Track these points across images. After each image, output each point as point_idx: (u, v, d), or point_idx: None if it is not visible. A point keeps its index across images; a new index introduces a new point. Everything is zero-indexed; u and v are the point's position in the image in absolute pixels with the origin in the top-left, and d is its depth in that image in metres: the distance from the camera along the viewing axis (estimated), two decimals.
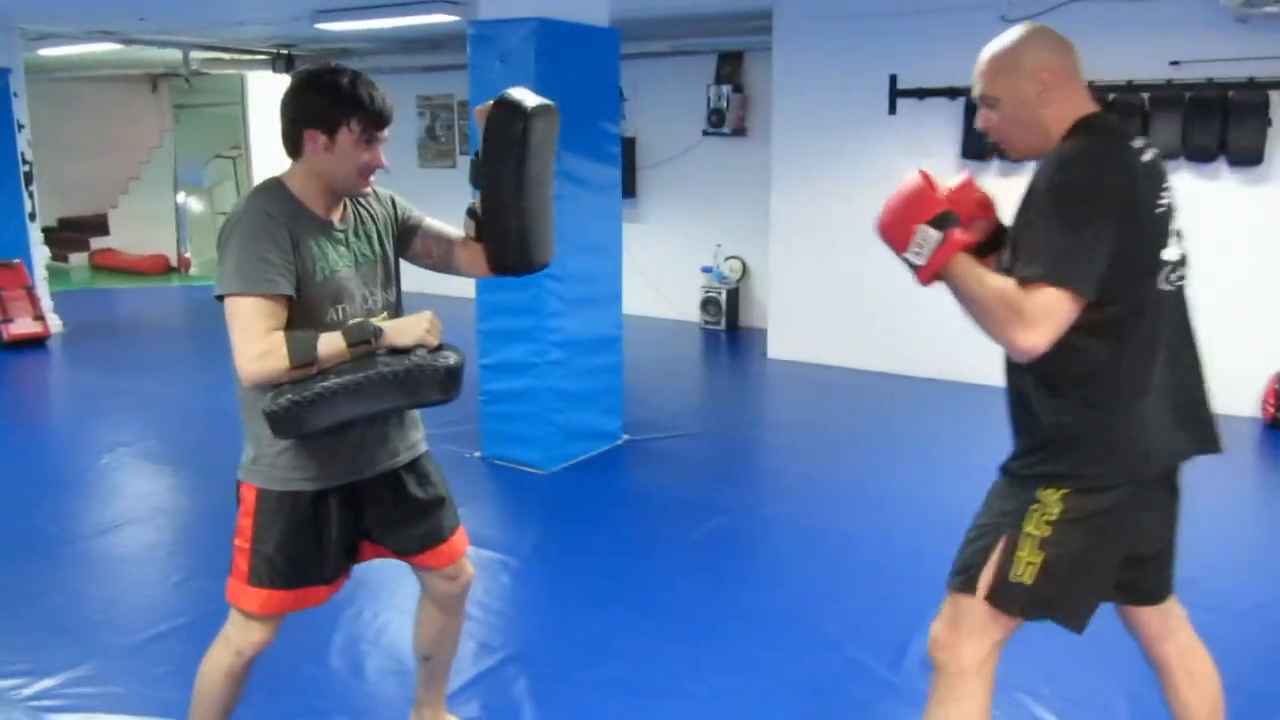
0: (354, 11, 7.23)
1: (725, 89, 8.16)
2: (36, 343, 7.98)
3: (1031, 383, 1.97)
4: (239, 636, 2.27)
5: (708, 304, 8.48)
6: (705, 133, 8.33)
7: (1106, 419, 1.90)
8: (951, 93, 6.36)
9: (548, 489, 4.77)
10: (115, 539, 4.17)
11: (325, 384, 1.97)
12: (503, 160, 2.21)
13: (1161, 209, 1.89)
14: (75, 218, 13.36)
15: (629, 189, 8.71)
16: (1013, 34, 2.02)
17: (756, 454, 5.54)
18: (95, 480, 4.97)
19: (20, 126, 8.21)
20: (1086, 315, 1.82)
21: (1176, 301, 1.96)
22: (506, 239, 2.28)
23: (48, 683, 3.01)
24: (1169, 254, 1.91)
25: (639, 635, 3.33)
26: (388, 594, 3.64)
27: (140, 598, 3.69)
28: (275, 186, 2.15)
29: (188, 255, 12.65)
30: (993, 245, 2.07)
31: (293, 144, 2.15)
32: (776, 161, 7.31)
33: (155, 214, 12.85)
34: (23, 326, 7.90)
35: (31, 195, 8.36)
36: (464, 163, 9.22)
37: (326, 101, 2.09)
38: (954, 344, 6.58)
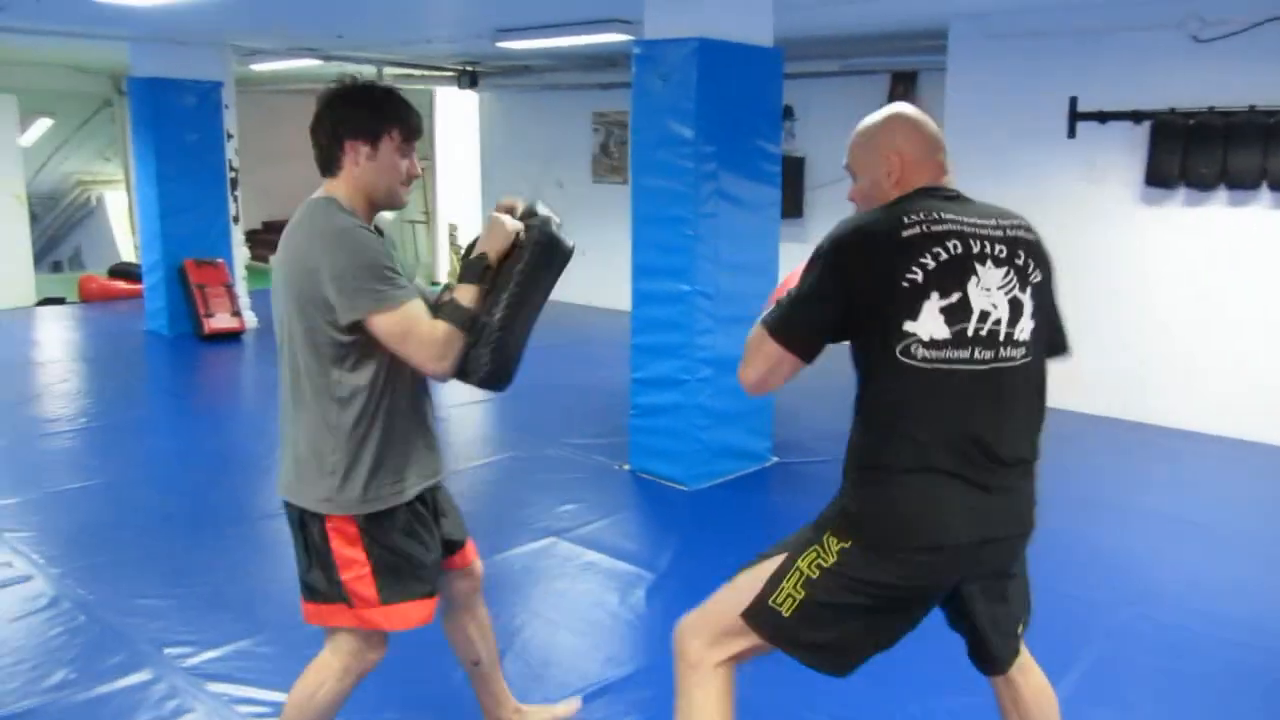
0: (532, 30, 7.48)
1: None
2: (232, 336, 8.59)
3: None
4: (358, 660, 2.30)
5: None
6: None
7: (874, 481, 1.93)
8: (1136, 116, 6.05)
9: (691, 506, 4.80)
10: (281, 524, 4.43)
11: (494, 323, 2.13)
12: (522, 286, 2.19)
13: (908, 283, 1.85)
14: (278, 221, 14.30)
15: (795, 209, 8.66)
16: (879, 115, 2.13)
17: None
18: (270, 467, 5.30)
19: (229, 136, 8.87)
20: (858, 370, 1.96)
21: (961, 388, 1.88)
22: (476, 357, 2.17)
23: (210, 654, 3.24)
24: (918, 328, 1.85)
25: (767, 660, 3.31)
26: (524, 598, 3.74)
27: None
28: (336, 204, 2.14)
29: None
30: None
31: (331, 158, 2.16)
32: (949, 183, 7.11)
33: None
34: (221, 321, 8.53)
35: (235, 200, 9.01)
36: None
37: (366, 112, 2.14)
38: (1131, 380, 6.26)
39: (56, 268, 15.10)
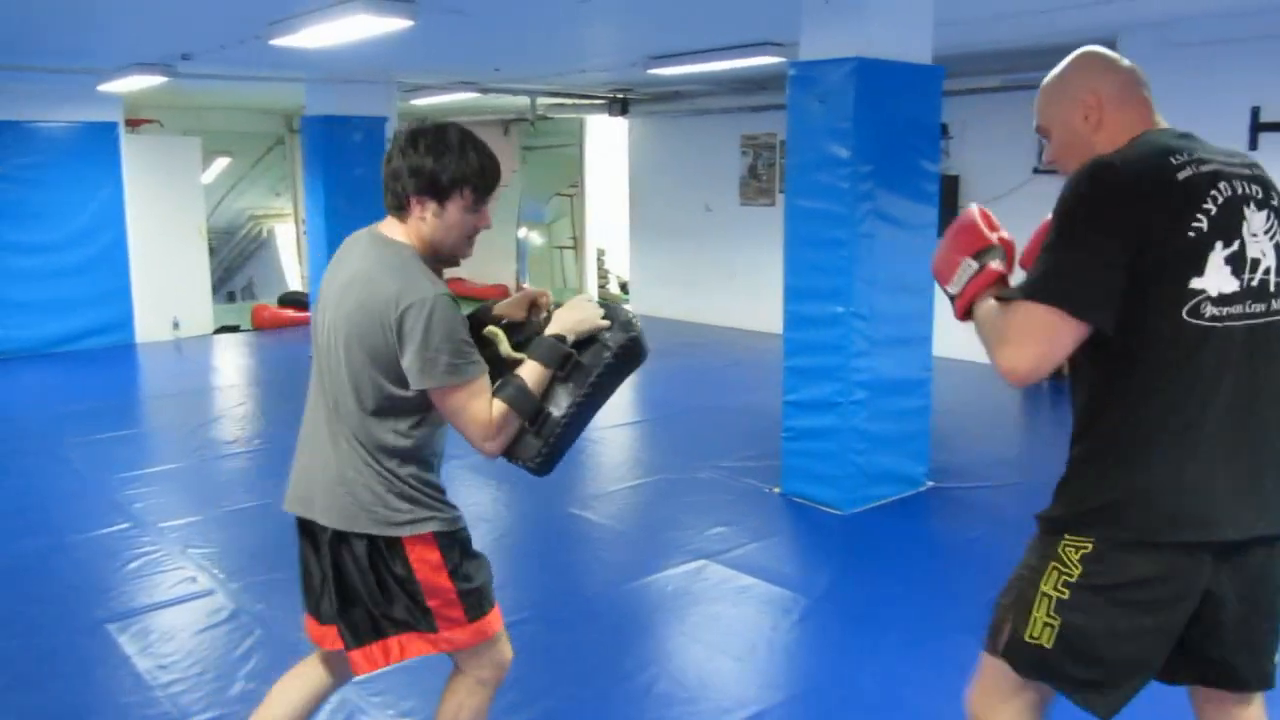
0: (684, 56, 7.55)
1: None
2: None
3: (1074, 423, 1.82)
4: (492, 669, 2.30)
5: None
6: (1036, 170, 7.92)
7: (1126, 466, 1.70)
8: None
9: (845, 530, 4.70)
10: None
11: (564, 414, 2.09)
12: (596, 389, 2.13)
13: (1195, 233, 1.64)
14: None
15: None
16: (1064, 60, 1.91)
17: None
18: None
19: None
20: (1104, 348, 1.68)
21: (1237, 345, 1.67)
22: (529, 445, 2.15)
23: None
24: (1206, 283, 1.64)
25: (926, 689, 3.21)
26: (677, 620, 3.73)
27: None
28: (418, 261, 2.10)
29: (525, 284, 13.70)
30: None
31: (402, 204, 2.10)
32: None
33: (499, 247, 14.01)
34: None
35: None
36: (780, 200, 9.31)
37: (439, 170, 2.05)
38: None
39: (231, 298, 16.02)
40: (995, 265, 1.88)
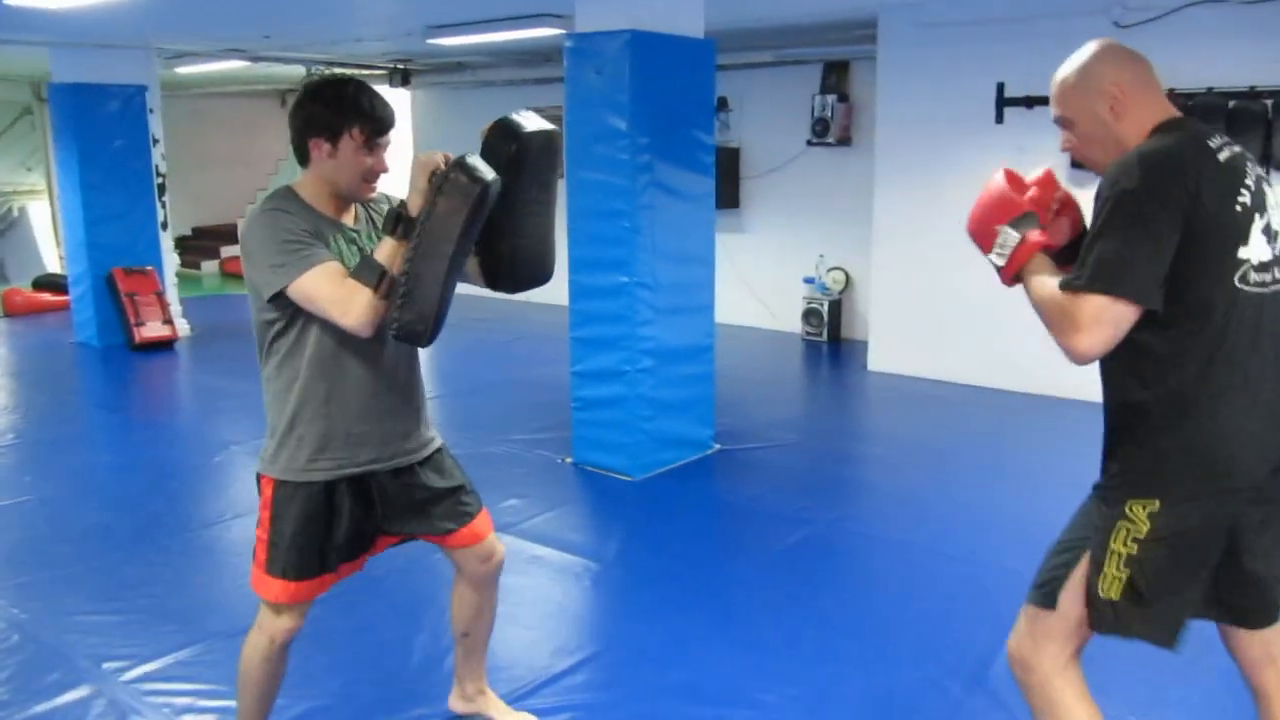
0: (463, 27, 7.43)
1: (830, 99, 8.10)
2: (165, 345, 8.41)
3: (1117, 394, 1.95)
4: (270, 624, 2.38)
5: (810, 315, 8.41)
6: (809, 143, 8.28)
7: (1183, 425, 1.85)
8: None
9: (636, 496, 4.81)
10: (222, 532, 4.38)
11: (408, 273, 2.09)
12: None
13: (1240, 208, 1.83)
14: (208, 227, 14.04)
15: (732, 199, 8.70)
16: (1082, 53, 2.02)
17: (850, 467, 5.47)
18: (208, 476, 5.23)
19: (155, 141, 8.69)
20: (1150, 318, 1.82)
21: (1270, 308, 1.87)
22: (496, 260, 2.36)
23: (150, 666, 3.18)
24: (1250, 253, 1.83)
25: (714, 643, 3.34)
26: None
27: (242, 588, 3.84)
28: (286, 193, 2.28)
29: None
30: (1076, 248, 2.02)
31: (301, 153, 2.27)
32: (881, 172, 7.22)
33: None
34: (152, 330, 8.34)
35: (164, 206, 8.83)
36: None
37: (329, 110, 2.21)
38: (1059, 359, 6.39)
39: None
40: (1035, 235, 1.99)
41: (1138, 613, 1.90)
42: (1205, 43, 5.70)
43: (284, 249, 2.14)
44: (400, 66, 10.62)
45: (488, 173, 2.16)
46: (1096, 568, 1.92)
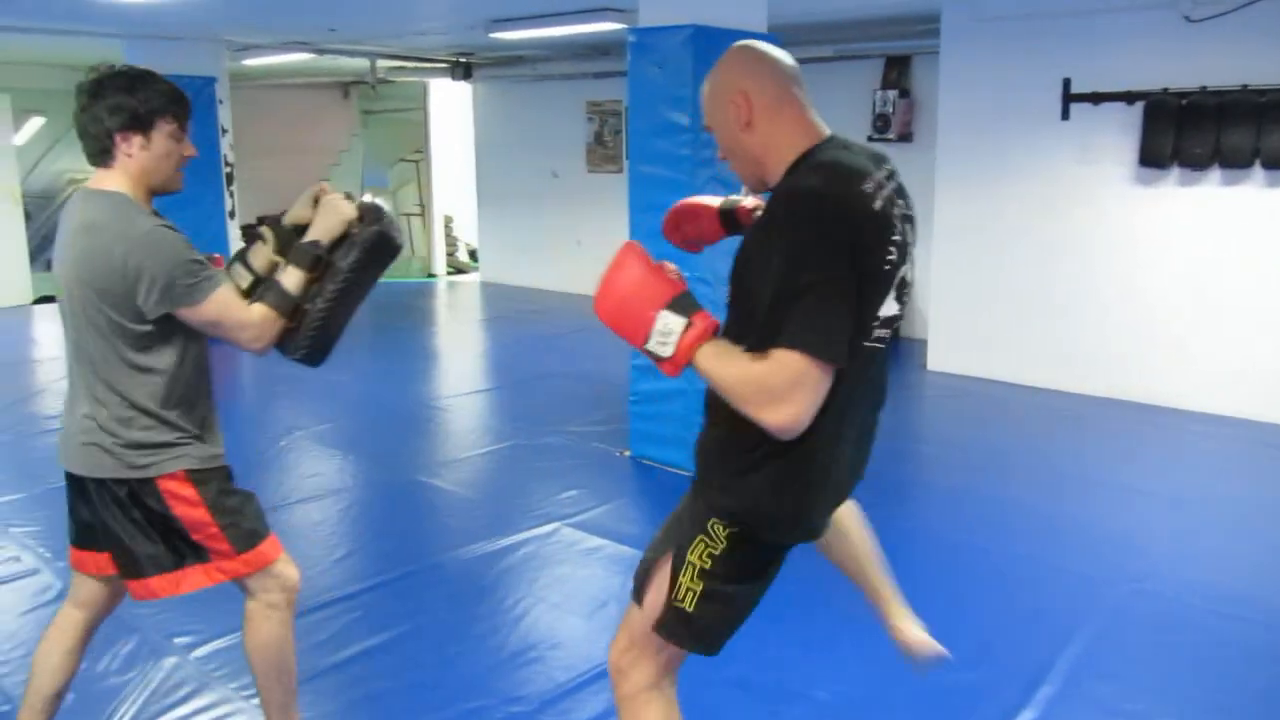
0: (525, 21, 7.49)
1: (891, 94, 8.04)
2: None
3: (729, 417, 1.74)
4: (282, 589, 2.39)
5: None
6: (870, 138, 8.22)
7: (781, 465, 1.77)
8: (1129, 97, 6.07)
9: None
10: (285, 516, 4.48)
11: (318, 310, 2.22)
12: (349, 282, 2.26)
13: (889, 265, 1.67)
14: (272, 216, 14.27)
15: None
16: (723, 56, 1.85)
17: (905, 467, 5.44)
18: (271, 460, 5.34)
19: (224, 131, 8.87)
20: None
21: (874, 360, 1.78)
22: (295, 340, 2.29)
23: (219, 643, 3.27)
24: (886, 309, 1.70)
25: (768, 639, 3.34)
26: (527, 583, 3.78)
27: (305, 570, 3.95)
28: (129, 201, 2.15)
29: None
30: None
31: (104, 149, 2.15)
32: (942, 168, 7.15)
33: None
34: None
35: (232, 195, 9.02)
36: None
37: (134, 103, 2.11)
38: (1124, 361, 6.30)
39: (50, 266, 15.08)
40: (705, 318, 1.75)
41: (704, 628, 1.91)
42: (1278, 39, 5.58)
43: (192, 269, 2.11)
44: (462, 60, 10.72)
45: (400, 236, 2.33)
46: (673, 576, 1.89)
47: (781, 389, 1.61)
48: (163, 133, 2.16)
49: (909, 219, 1.79)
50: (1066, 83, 6.37)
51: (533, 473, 5.10)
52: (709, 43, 4.65)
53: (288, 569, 2.42)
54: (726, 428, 1.80)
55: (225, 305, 2.17)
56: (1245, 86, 5.67)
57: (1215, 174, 5.91)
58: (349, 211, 2.27)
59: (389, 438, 5.74)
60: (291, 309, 2.21)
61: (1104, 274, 6.31)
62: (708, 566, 1.85)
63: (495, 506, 4.63)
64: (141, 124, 2.13)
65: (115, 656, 3.20)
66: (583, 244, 10.44)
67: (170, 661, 3.18)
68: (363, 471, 5.14)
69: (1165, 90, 5.92)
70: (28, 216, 10.76)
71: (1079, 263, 6.38)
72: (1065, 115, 6.41)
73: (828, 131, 1.81)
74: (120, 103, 2.11)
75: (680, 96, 4.67)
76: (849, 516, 2.33)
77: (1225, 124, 5.73)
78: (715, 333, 1.76)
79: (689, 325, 1.73)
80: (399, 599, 3.63)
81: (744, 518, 1.83)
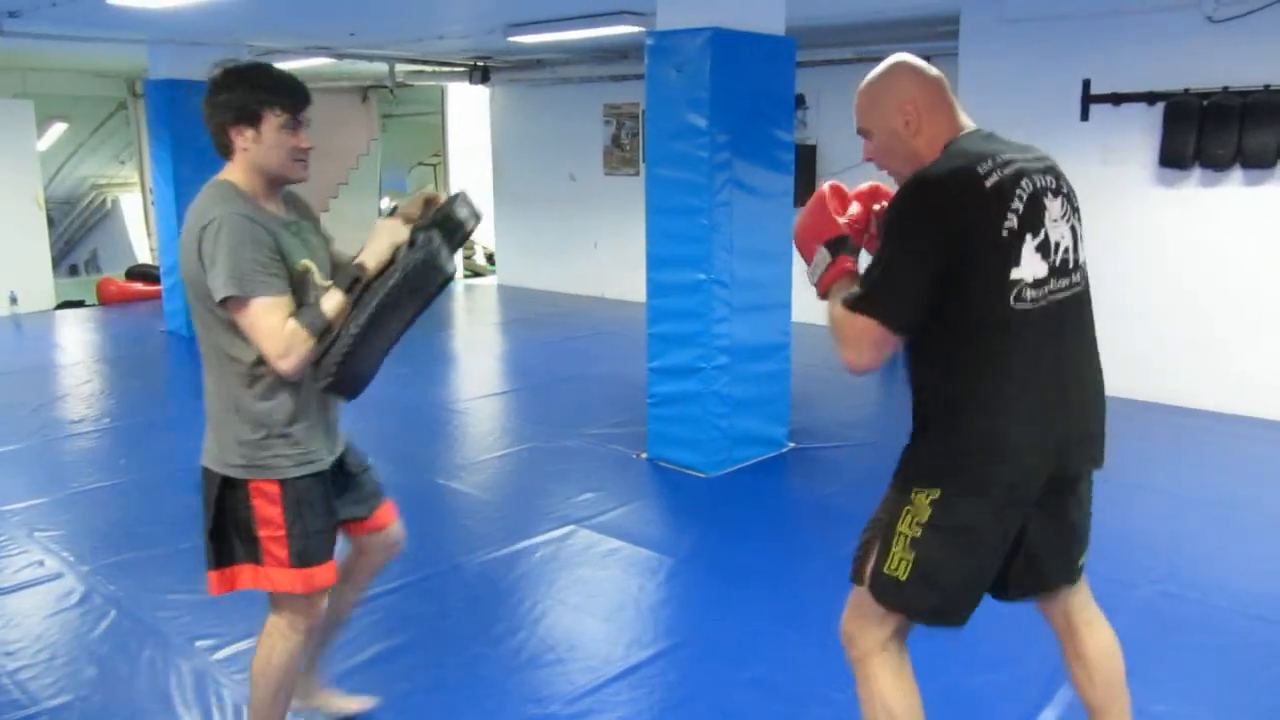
0: (543, 24, 7.51)
1: None
2: None
3: (912, 391, 2.05)
4: (299, 619, 2.38)
5: None
6: None
7: (961, 426, 1.95)
8: (1150, 98, 6.03)
9: (709, 492, 4.83)
10: None
11: (351, 334, 2.13)
12: (384, 308, 2.17)
13: (1007, 232, 1.87)
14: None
15: (809, 197, 8.64)
16: (880, 68, 2.07)
17: None
18: None
19: None
20: (940, 325, 1.91)
21: (1051, 318, 1.94)
22: (324, 365, 2.19)
23: (239, 646, 3.29)
24: (1023, 273, 1.89)
25: (788, 640, 3.35)
26: (546, 585, 3.79)
27: None
28: (231, 189, 2.20)
29: None
30: None
31: (224, 145, 2.23)
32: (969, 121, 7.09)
33: (361, 218, 13.67)
34: None
35: None
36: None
37: (243, 97, 2.18)
38: (1147, 362, 6.25)
39: (73, 271, 15.23)
40: (847, 261, 2.08)
41: (921, 594, 2.00)
42: None
43: (246, 264, 2.10)
44: (480, 64, 10.76)
45: (449, 265, 2.24)
46: (885, 547, 2.02)
47: (849, 337, 1.94)
48: (272, 125, 2.19)
49: (1045, 193, 1.95)
50: (1086, 84, 6.33)
51: (550, 475, 5.11)
52: (727, 45, 4.65)
53: (323, 601, 2.43)
54: (914, 411, 2.03)
55: (261, 312, 2.12)
56: (1268, 86, 5.62)
57: (1237, 174, 5.86)
58: (399, 235, 2.25)
59: (408, 440, 5.76)
60: (322, 330, 2.16)
61: (1126, 273, 6.26)
62: (917, 535, 1.97)
63: (514, 509, 4.64)
64: (250, 117, 2.18)
65: (137, 659, 3.23)
66: (599, 247, 10.45)
67: (191, 664, 3.20)
68: (382, 474, 5.08)
69: (1186, 91, 5.88)
70: (51, 222, 10.86)
71: (1102, 262, 6.31)
72: (1085, 116, 6.37)
73: (970, 126, 2.03)
74: (229, 98, 2.18)
75: (698, 99, 4.68)
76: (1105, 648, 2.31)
77: (1247, 124, 5.69)
78: (849, 275, 2.06)
79: (832, 263, 2.08)
80: (419, 601, 3.64)
81: (934, 474, 1.97)
